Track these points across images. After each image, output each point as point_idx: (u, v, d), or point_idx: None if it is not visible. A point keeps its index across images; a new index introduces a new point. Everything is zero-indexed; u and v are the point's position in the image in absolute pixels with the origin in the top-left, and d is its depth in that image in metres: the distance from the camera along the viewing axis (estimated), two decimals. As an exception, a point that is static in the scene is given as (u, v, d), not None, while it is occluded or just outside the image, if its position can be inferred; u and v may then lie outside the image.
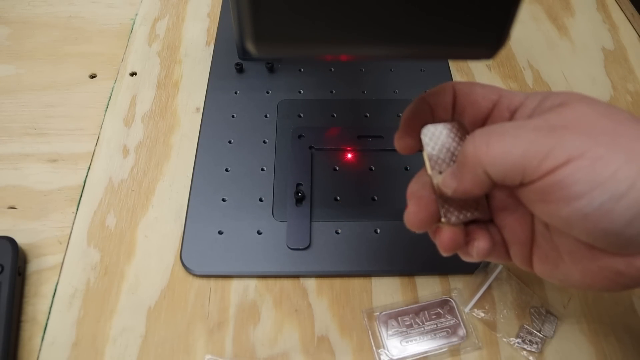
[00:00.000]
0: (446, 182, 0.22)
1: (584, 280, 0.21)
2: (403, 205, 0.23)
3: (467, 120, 0.24)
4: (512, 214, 0.23)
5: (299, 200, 0.34)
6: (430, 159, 0.23)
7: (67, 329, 0.30)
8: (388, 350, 0.29)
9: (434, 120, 0.24)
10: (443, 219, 0.23)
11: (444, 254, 0.24)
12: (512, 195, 0.23)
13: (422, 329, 0.29)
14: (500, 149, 0.19)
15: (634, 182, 0.17)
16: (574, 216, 0.18)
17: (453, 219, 0.23)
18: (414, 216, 0.23)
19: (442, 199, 0.23)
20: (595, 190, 0.17)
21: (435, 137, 0.24)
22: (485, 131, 0.20)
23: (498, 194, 0.23)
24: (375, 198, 0.35)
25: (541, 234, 0.22)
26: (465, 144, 0.21)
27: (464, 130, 0.24)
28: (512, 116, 0.23)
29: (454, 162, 0.23)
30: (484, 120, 0.23)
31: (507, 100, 0.23)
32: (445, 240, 0.23)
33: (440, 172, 0.23)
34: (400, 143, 0.24)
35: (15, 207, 0.35)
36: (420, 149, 0.24)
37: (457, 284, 0.32)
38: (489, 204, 0.24)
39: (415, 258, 0.32)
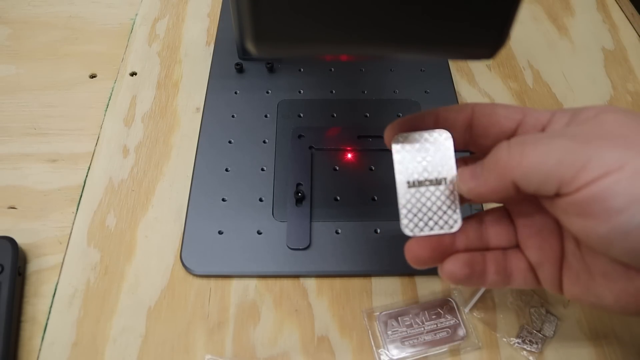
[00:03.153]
0: (464, 179, 0.21)
1: (617, 302, 0.20)
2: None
3: (490, 141, 0.23)
4: (539, 233, 0.22)
5: (299, 200, 0.34)
6: (397, 165, 0.23)
7: (67, 329, 0.30)
8: (388, 350, 0.29)
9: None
10: (403, 228, 0.23)
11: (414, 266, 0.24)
12: (539, 213, 0.22)
13: (422, 329, 0.29)
14: (535, 158, 0.18)
15: None
16: (613, 233, 0.17)
17: (417, 231, 0.23)
18: None
19: (406, 207, 0.23)
20: (636, 204, 0.16)
21: (409, 145, 0.23)
22: (520, 140, 0.19)
23: (524, 211, 0.23)
24: (375, 198, 0.35)
25: (572, 253, 0.21)
26: (498, 150, 0.20)
27: (442, 141, 0.23)
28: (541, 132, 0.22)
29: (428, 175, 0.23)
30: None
31: (532, 118, 0.22)
32: (408, 251, 0.23)
33: (408, 183, 0.23)
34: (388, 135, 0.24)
35: (15, 207, 0.35)
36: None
37: (457, 284, 0.32)
38: (515, 229, 0.23)
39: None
